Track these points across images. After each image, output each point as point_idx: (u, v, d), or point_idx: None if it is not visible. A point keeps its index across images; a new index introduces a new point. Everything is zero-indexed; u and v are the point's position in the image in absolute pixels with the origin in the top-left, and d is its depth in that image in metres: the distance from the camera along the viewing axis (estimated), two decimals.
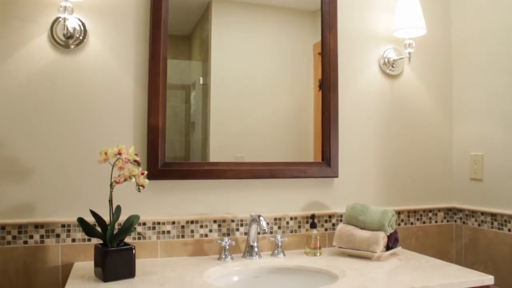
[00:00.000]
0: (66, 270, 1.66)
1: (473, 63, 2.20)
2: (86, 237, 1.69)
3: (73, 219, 1.66)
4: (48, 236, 1.66)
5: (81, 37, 1.70)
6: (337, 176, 2.02)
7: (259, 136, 1.97)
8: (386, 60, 2.15)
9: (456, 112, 2.28)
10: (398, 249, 1.88)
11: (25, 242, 1.63)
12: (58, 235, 1.67)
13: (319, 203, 2.03)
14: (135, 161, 1.50)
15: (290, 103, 2.04)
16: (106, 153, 1.48)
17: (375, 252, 1.77)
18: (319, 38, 2.03)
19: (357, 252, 1.81)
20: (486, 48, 2.12)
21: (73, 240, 1.69)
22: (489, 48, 2.11)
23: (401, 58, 2.14)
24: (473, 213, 2.17)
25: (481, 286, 1.55)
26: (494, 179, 2.07)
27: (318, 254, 1.86)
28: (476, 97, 2.17)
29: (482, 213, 2.12)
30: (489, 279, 1.55)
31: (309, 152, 2.03)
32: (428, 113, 2.25)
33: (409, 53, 2.05)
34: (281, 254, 1.84)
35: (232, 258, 1.77)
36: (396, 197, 2.17)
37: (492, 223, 2.07)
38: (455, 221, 2.28)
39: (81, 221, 1.52)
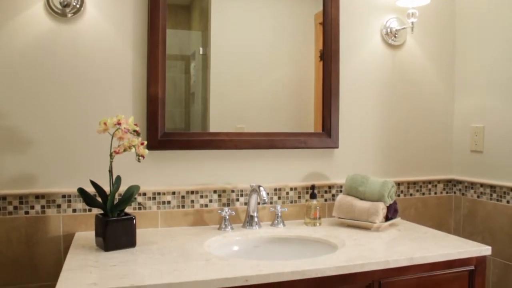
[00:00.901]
0: (67, 240, 1.67)
1: (476, 34, 2.16)
2: (87, 207, 1.70)
3: (73, 189, 1.67)
4: (49, 207, 1.67)
5: (78, 6, 1.67)
6: (337, 147, 2.02)
7: (259, 106, 1.96)
8: (388, 30, 2.11)
9: (458, 84, 2.26)
10: (397, 219, 1.89)
11: (26, 213, 1.64)
12: (59, 206, 1.68)
13: (319, 173, 2.03)
14: (134, 131, 1.50)
15: (290, 74, 2.02)
16: (105, 123, 1.47)
17: (375, 223, 1.78)
18: (320, 8, 2.00)
19: (357, 223, 1.82)
20: (490, 20, 2.09)
21: (74, 211, 1.70)
22: (493, 20, 2.07)
23: (404, 28, 2.10)
24: (472, 184, 2.18)
25: (479, 256, 1.57)
26: (495, 151, 2.07)
27: (318, 224, 1.87)
28: (479, 68, 2.15)
29: (482, 185, 2.12)
30: (487, 250, 1.57)
31: (310, 123, 2.02)
32: (430, 85, 2.23)
33: (412, 22, 2.02)
34: (281, 224, 1.85)
35: (232, 228, 1.78)
36: (396, 168, 2.17)
37: (491, 195, 2.07)
38: (455, 192, 2.28)
39: (81, 191, 1.52)
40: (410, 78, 2.18)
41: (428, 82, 2.22)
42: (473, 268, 1.56)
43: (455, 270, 1.54)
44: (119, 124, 1.47)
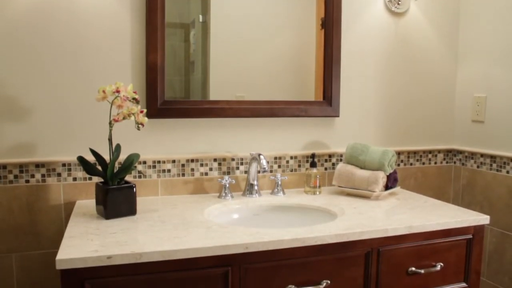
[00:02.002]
0: (68, 208, 1.68)
1: (481, 2, 2.12)
2: (87, 176, 1.70)
3: (73, 158, 1.67)
4: (49, 175, 1.67)
5: None
6: (338, 116, 2.01)
7: (259, 75, 1.94)
8: None
9: (462, 53, 2.23)
10: (397, 189, 1.90)
11: (27, 181, 1.65)
12: (59, 174, 1.68)
13: (320, 142, 2.02)
14: (133, 98, 1.48)
15: (291, 42, 1.99)
16: (104, 91, 1.46)
17: (374, 192, 1.78)
18: None
19: (356, 191, 1.83)
20: None
21: (74, 179, 1.70)
22: None
23: None
24: (472, 155, 2.18)
25: (477, 226, 1.58)
26: (496, 121, 2.06)
27: (318, 193, 1.88)
28: (483, 38, 2.12)
29: (482, 155, 2.12)
30: (485, 219, 1.58)
31: (310, 91, 2.00)
32: (433, 54, 2.20)
33: None
34: (281, 192, 1.86)
35: (232, 196, 1.79)
36: (396, 137, 2.17)
37: (491, 165, 2.07)
38: (455, 162, 2.28)
39: (81, 159, 1.52)
40: (412, 47, 2.15)
41: (431, 51, 2.19)
42: (471, 237, 1.58)
43: (453, 239, 1.55)
44: (118, 91, 1.46)
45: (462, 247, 1.58)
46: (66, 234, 1.31)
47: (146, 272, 1.20)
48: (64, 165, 1.68)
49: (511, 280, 1.99)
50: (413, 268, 1.50)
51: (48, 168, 1.67)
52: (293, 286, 1.34)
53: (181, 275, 1.23)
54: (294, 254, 1.33)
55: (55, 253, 1.16)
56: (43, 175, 1.66)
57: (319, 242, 1.34)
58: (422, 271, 1.50)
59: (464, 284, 1.60)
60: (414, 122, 2.20)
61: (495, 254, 2.06)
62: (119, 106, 1.47)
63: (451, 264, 1.56)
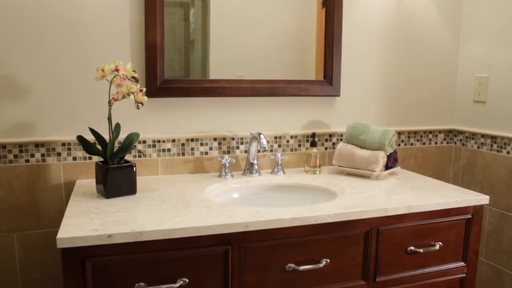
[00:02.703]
0: (68, 187, 1.69)
1: None
2: (87, 155, 1.70)
3: (73, 137, 1.66)
4: (49, 155, 1.67)
5: None
6: (338, 95, 2.00)
7: (260, 54, 1.92)
8: None
9: (464, 32, 2.21)
10: (397, 169, 1.90)
11: (27, 161, 1.64)
12: (59, 154, 1.68)
13: (320, 122, 2.02)
14: (133, 77, 1.47)
15: (292, 21, 1.96)
16: (103, 70, 1.44)
17: (374, 171, 1.78)
18: None
19: (356, 171, 1.83)
20: None
21: (74, 159, 1.70)
22: None
23: None
24: (473, 135, 2.17)
25: (476, 206, 1.58)
26: (498, 102, 2.04)
27: (318, 173, 1.88)
28: (486, 17, 2.09)
29: (482, 136, 2.12)
30: (485, 199, 1.58)
31: (311, 71, 1.99)
32: (435, 33, 2.17)
33: None
34: (281, 172, 1.86)
35: (232, 176, 1.79)
36: (397, 117, 2.16)
37: (491, 145, 2.07)
38: (455, 143, 2.28)
39: (81, 139, 1.52)
40: (415, 26, 2.13)
41: (433, 30, 2.17)
42: (470, 216, 1.58)
43: (452, 219, 1.56)
44: (117, 70, 1.44)
45: (461, 227, 1.58)
46: (66, 213, 1.31)
47: (146, 250, 1.21)
48: (63, 144, 1.68)
49: (509, 260, 2.00)
50: (412, 247, 1.51)
51: (47, 148, 1.66)
52: (293, 265, 1.35)
53: (181, 254, 1.24)
54: (294, 233, 1.34)
55: (56, 232, 1.17)
56: (42, 155, 1.66)
57: (319, 221, 1.34)
58: (421, 250, 1.51)
59: (462, 264, 1.61)
60: (415, 102, 2.19)
61: (493, 234, 2.07)
62: (119, 85, 1.46)
63: (450, 243, 1.57)
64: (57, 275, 1.71)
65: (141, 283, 1.21)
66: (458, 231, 1.58)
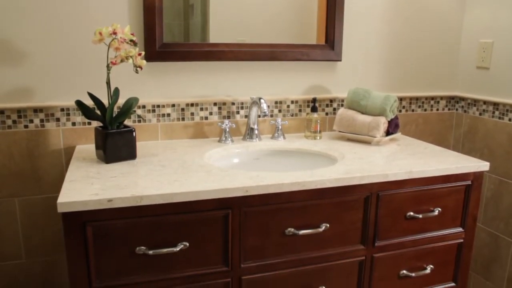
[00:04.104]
0: (68, 153, 1.68)
1: None
2: (86, 121, 1.69)
3: (71, 102, 1.65)
4: (48, 120, 1.65)
5: None
6: (340, 60, 1.97)
7: (260, 18, 1.88)
8: None
9: None
10: (398, 135, 1.89)
11: (26, 126, 1.63)
12: (58, 119, 1.66)
13: (321, 87, 2.00)
14: (131, 40, 1.44)
15: None
16: (100, 33, 1.41)
17: (375, 137, 1.78)
18: None
19: (357, 137, 1.82)
20: None
21: (73, 124, 1.69)
22: None
23: None
24: (475, 102, 2.15)
25: (476, 172, 1.58)
26: (502, 68, 2.01)
27: (318, 138, 1.87)
28: None
29: (485, 102, 2.10)
30: (485, 165, 1.58)
31: (312, 35, 1.95)
32: None
33: None
34: (281, 137, 1.85)
35: (232, 141, 1.78)
36: (399, 83, 2.14)
37: (493, 112, 2.05)
38: (457, 109, 2.26)
39: (79, 104, 1.50)
40: None
41: None
42: (470, 183, 1.58)
43: (452, 185, 1.56)
44: (115, 33, 1.41)
45: (461, 193, 1.59)
46: (66, 178, 1.31)
47: (146, 215, 1.21)
48: (62, 110, 1.66)
49: (506, 226, 2.02)
50: (412, 213, 1.52)
51: (46, 113, 1.65)
52: (293, 229, 1.36)
53: (181, 218, 1.25)
54: (294, 198, 1.34)
55: (57, 198, 1.17)
56: (41, 120, 1.65)
57: (319, 186, 1.34)
58: (420, 216, 1.52)
59: (460, 229, 1.62)
60: (417, 68, 2.16)
61: (491, 200, 2.08)
62: (117, 49, 1.43)
63: (449, 209, 1.58)
64: (59, 239, 1.73)
65: (142, 247, 1.22)
66: (457, 197, 1.59)
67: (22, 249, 1.70)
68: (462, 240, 1.63)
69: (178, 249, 1.25)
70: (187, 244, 1.26)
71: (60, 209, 1.13)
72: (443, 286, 1.66)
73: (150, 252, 1.22)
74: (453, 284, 1.67)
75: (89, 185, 1.26)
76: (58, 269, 1.76)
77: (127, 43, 1.44)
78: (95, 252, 1.19)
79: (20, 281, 1.72)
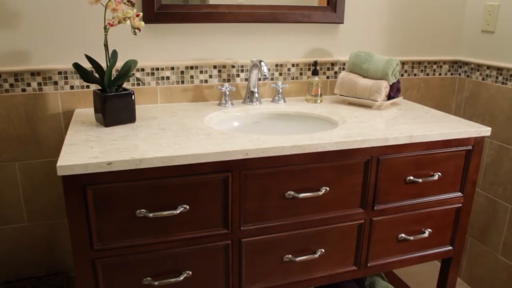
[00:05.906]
0: (67, 117, 1.67)
1: None
2: (85, 84, 1.67)
3: (69, 65, 1.63)
4: (45, 84, 1.63)
5: None
6: (342, 22, 1.93)
7: None
8: None
9: None
10: (399, 99, 1.87)
11: (23, 90, 1.61)
12: (55, 83, 1.65)
13: (322, 50, 1.96)
14: (128, 1, 1.41)
15: None
16: None
17: (376, 101, 1.76)
18: None
19: (358, 101, 1.80)
20: None
21: (72, 87, 1.67)
22: None
23: None
24: (478, 66, 2.12)
25: (477, 137, 1.57)
26: (507, 32, 1.97)
27: (319, 102, 1.86)
28: None
29: (488, 67, 2.07)
30: (486, 131, 1.57)
31: None
32: None
33: None
34: (282, 100, 1.84)
35: (232, 104, 1.77)
36: (401, 46, 2.10)
37: (496, 77, 2.03)
38: (459, 74, 2.24)
39: (77, 66, 1.48)
40: None
41: None
42: (471, 148, 1.58)
43: (453, 150, 1.55)
44: None
45: (461, 158, 1.58)
46: (66, 142, 1.30)
47: (146, 178, 1.21)
48: (60, 73, 1.64)
49: (504, 191, 2.03)
50: (411, 177, 1.52)
51: (44, 77, 1.63)
52: (293, 192, 1.37)
53: (181, 181, 1.25)
54: (294, 161, 1.34)
55: (57, 161, 1.16)
56: (39, 84, 1.63)
57: (319, 149, 1.34)
58: (420, 180, 1.52)
59: (459, 194, 1.62)
60: (420, 31, 2.12)
61: (491, 166, 2.09)
62: (114, 10, 1.40)
63: (449, 174, 1.58)
64: (61, 203, 1.74)
65: (142, 210, 1.23)
66: (457, 162, 1.58)
67: (24, 212, 1.71)
68: (460, 205, 1.64)
69: (178, 211, 1.26)
70: (187, 207, 1.27)
71: (60, 172, 1.13)
72: (441, 249, 1.68)
73: (151, 214, 1.23)
74: (450, 247, 1.69)
75: (89, 148, 1.25)
76: (63, 231, 1.77)
77: (125, 3, 1.41)
78: (96, 215, 1.20)
79: (25, 244, 1.74)
